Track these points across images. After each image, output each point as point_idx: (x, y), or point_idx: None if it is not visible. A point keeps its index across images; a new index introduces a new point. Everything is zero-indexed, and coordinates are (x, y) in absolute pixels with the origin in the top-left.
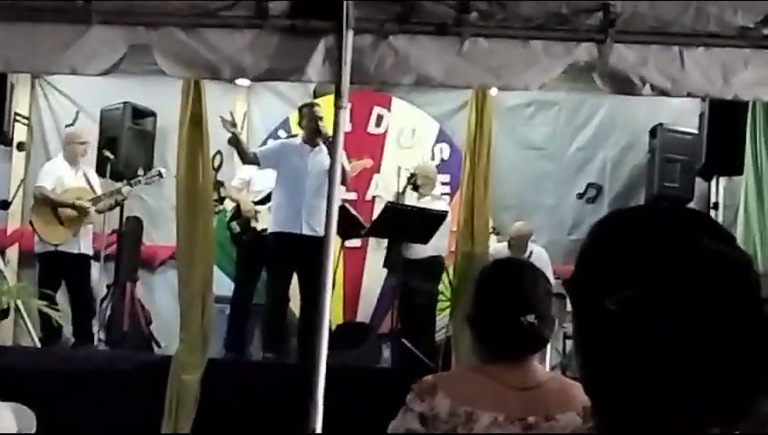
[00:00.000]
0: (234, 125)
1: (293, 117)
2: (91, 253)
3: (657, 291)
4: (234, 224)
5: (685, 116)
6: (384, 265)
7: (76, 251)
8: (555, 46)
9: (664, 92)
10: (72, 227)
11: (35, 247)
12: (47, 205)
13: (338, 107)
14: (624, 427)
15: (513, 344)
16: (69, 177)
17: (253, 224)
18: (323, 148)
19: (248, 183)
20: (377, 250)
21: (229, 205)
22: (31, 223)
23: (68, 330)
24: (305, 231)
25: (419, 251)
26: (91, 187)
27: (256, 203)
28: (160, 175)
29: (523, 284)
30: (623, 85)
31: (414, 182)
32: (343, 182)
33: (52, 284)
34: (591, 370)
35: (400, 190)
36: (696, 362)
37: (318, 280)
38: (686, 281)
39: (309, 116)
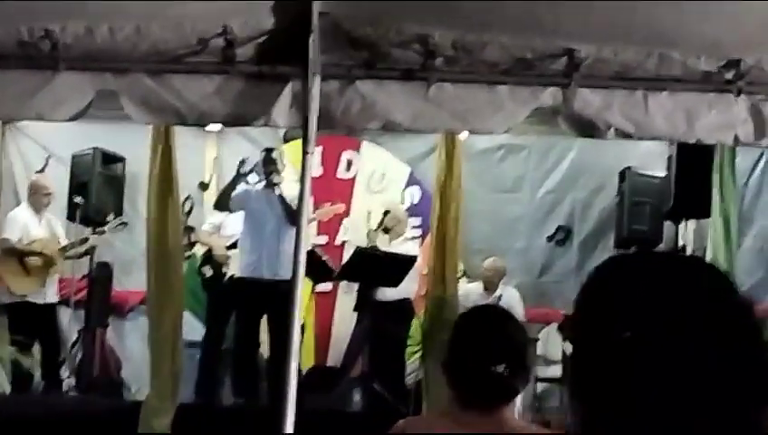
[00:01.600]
0: None
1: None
2: (56, 300)
3: (667, 325)
4: (205, 268)
5: (653, 159)
6: (354, 309)
7: (42, 302)
8: (521, 91)
9: (628, 136)
10: (40, 277)
11: (2, 298)
12: (14, 255)
13: (305, 152)
14: None
15: (483, 393)
16: (33, 226)
17: (224, 269)
18: (284, 192)
19: (219, 227)
20: (347, 294)
21: (200, 249)
22: None
23: (38, 376)
24: (266, 275)
25: (389, 294)
26: (56, 235)
27: (228, 248)
28: (124, 224)
29: (496, 333)
30: (588, 129)
31: (385, 223)
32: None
33: (22, 332)
34: (601, 400)
35: (374, 228)
36: (704, 391)
37: (286, 323)
38: (695, 316)
39: (264, 161)
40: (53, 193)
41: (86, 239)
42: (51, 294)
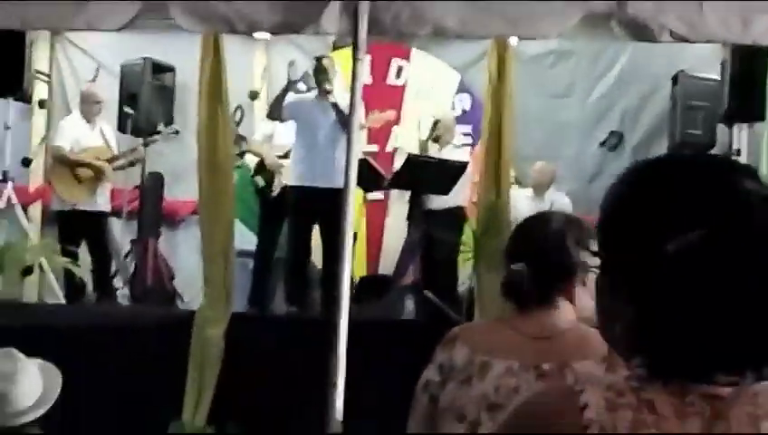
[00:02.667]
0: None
1: (302, 68)
2: (108, 210)
3: (716, 234)
4: (258, 178)
5: (706, 63)
6: (407, 219)
7: (94, 209)
8: None
9: (683, 38)
10: (90, 186)
11: (54, 206)
12: (65, 164)
13: (355, 59)
14: (668, 366)
15: (526, 294)
16: (85, 135)
17: (277, 178)
18: (337, 100)
19: (270, 137)
20: (399, 203)
21: (252, 159)
22: (49, 182)
23: (90, 286)
24: (322, 184)
25: (440, 202)
26: (108, 144)
27: (280, 157)
28: (177, 132)
29: (539, 235)
30: (642, 32)
31: (435, 132)
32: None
33: (72, 242)
34: (638, 312)
35: (424, 138)
36: (757, 305)
37: (339, 233)
38: (743, 223)
39: (315, 69)
40: (104, 102)
41: (135, 149)
42: (102, 203)
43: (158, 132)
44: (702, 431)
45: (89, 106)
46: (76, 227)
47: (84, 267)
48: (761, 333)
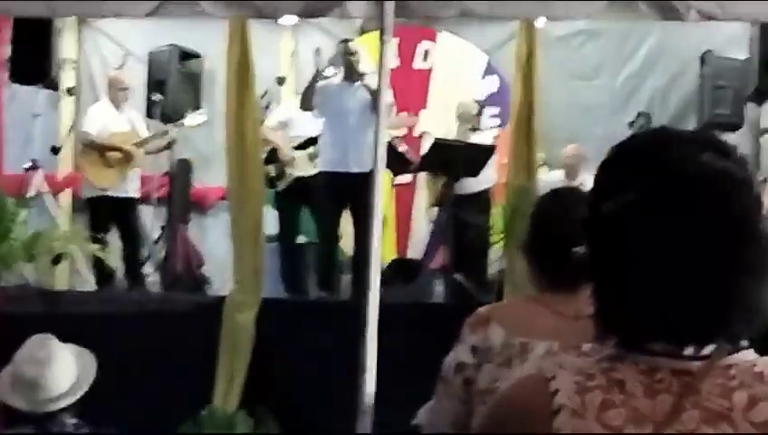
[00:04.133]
0: None
1: (328, 55)
2: (138, 196)
3: (649, 198)
4: (269, 168)
5: (734, 42)
6: (434, 203)
7: (124, 195)
8: None
9: (711, 17)
10: (120, 171)
11: (84, 192)
12: (94, 149)
13: (382, 42)
14: (615, 324)
15: (565, 274)
16: (113, 121)
17: (288, 170)
18: (364, 83)
19: (285, 124)
20: (427, 186)
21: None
22: (79, 168)
23: (120, 273)
24: (353, 168)
25: (468, 186)
26: (136, 130)
27: (296, 148)
28: (205, 120)
29: (577, 213)
30: (670, 12)
31: (460, 116)
32: None
33: (103, 227)
34: (594, 271)
35: (453, 122)
36: (687, 270)
37: (366, 216)
38: (678, 190)
39: (342, 52)
40: (130, 88)
41: (166, 132)
42: (132, 189)
43: (184, 118)
44: (672, 406)
45: (115, 92)
46: (106, 213)
47: (114, 253)
48: (706, 302)
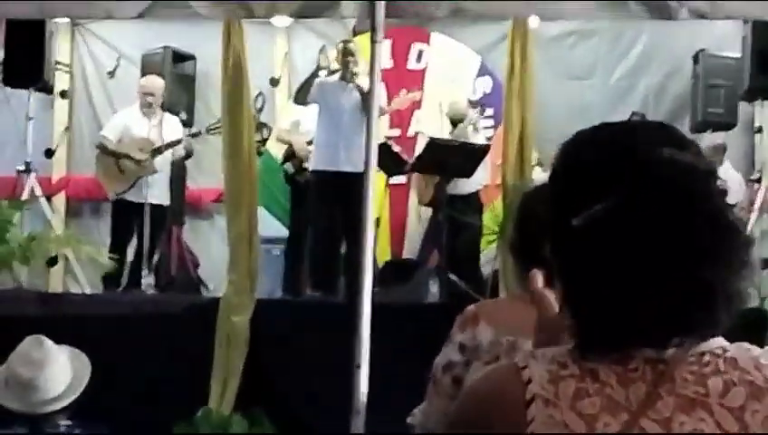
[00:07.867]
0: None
1: (332, 55)
2: (156, 202)
3: (625, 207)
4: (287, 165)
5: (727, 41)
6: (428, 204)
7: (140, 200)
8: None
9: (702, 15)
10: (130, 178)
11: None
12: (108, 155)
13: (373, 41)
14: (598, 332)
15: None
16: (138, 127)
17: (306, 165)
18: (356, 84)
19: (297, 124)
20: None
21: (278, 147)
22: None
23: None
24: (345, 168)
25: (461, 186)
26: (158, 137)
27: (309, 143)
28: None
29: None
30: (660, 10)
31: (452, 117)
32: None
33: (124, 231)
34: (564, 282)
35: (447, 124)
36: (670, 273)
37: (359, 217)
38: (653, 195)
39: (340, 53)
40: (156, 94)
41: (179, 141)
42: (151, 195)
43: (182, 120)
44: (647, 395)
45: (141, 99)
46: (127, 217)
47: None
48: (692, 299)
